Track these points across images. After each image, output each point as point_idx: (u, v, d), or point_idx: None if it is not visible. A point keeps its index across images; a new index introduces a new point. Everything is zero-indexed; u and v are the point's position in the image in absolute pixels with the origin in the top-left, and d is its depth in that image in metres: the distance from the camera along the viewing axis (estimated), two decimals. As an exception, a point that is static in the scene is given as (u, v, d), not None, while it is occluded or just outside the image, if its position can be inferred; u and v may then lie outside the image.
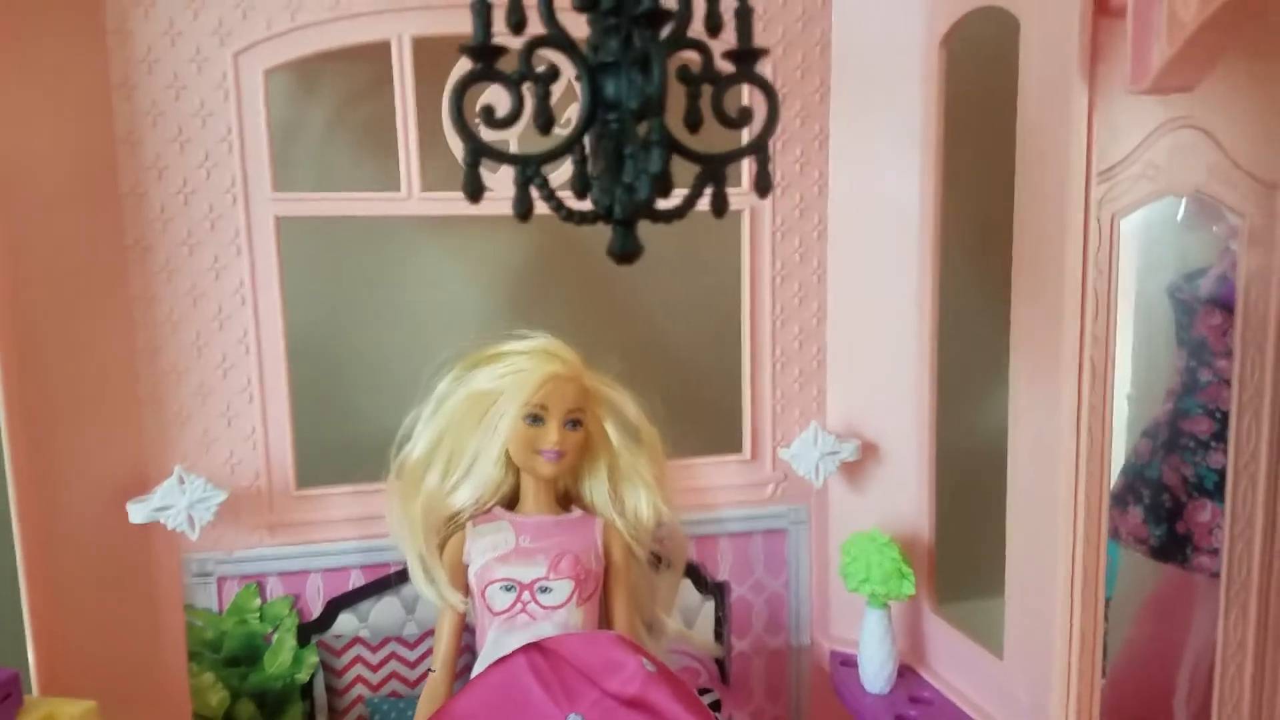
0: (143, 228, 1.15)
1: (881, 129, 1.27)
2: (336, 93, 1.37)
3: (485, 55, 0.67)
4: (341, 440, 1.27)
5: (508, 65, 0.67)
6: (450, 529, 1.18)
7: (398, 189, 1.20)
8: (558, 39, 0.67)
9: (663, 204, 0.72)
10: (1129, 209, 1.03)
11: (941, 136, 1.23)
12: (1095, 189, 1.00)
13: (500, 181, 1.20)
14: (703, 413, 1.34)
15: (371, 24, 1.17)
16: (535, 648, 1.05)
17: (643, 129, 0.67)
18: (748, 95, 1.15)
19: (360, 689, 1.24)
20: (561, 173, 1.10)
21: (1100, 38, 0.97)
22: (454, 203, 1.22)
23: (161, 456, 1.18)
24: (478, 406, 1.15)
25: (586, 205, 0.72)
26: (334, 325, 1.41)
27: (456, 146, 1.18)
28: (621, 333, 1.44)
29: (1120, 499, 1.37)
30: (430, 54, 1.17)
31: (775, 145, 1.26)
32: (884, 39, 1.25)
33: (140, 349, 1.17)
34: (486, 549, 1.14)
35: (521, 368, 1.14)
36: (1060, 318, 1.02)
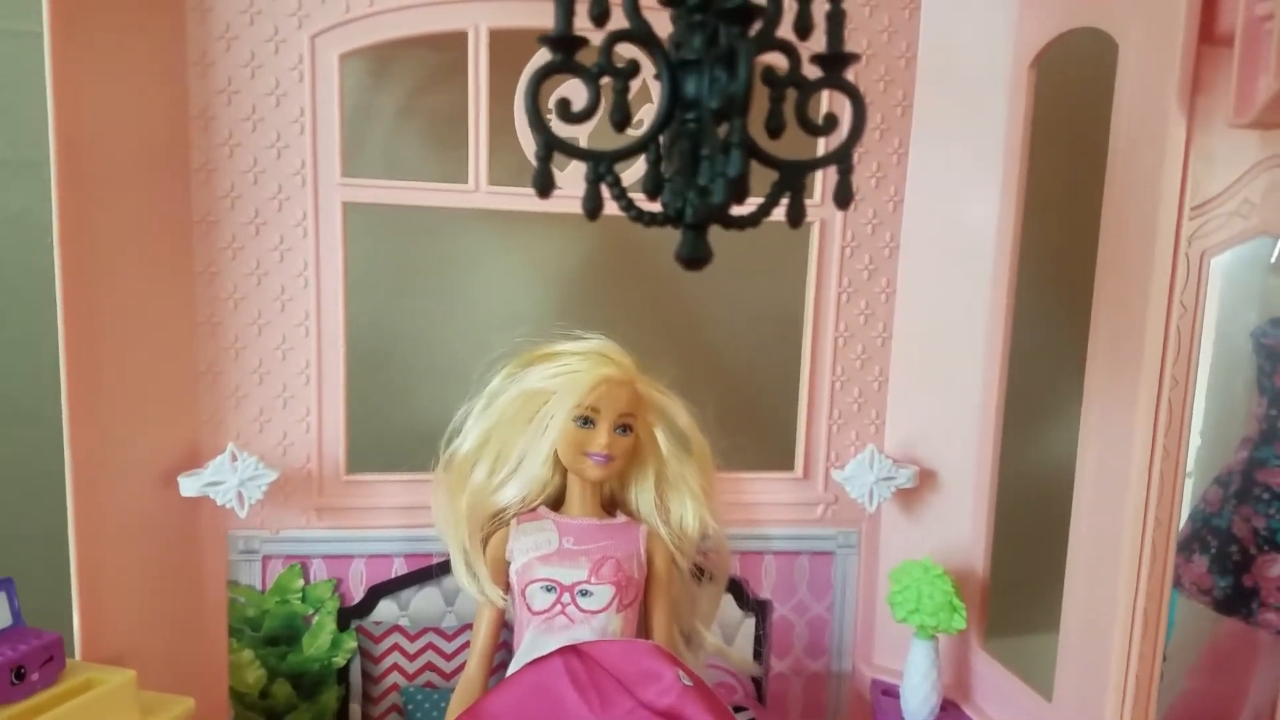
0: (211, 204, 1.16)
1: (963, 148, 1.23)
2: (408, 81, 1.37)
3: (565, 46, 0.65)
4: (393, 429, 1.26)
5: (586, 59, 0.66)
6: (494, 525, 1.17)
7: (465, 181, 1.20)
8: (640, 33, 0.66)
9: (736, 210, 0.70)
10: (1220, 247, 0.98)
11: (1026, 159, 1.19)
12: (1186, 224, 0.96)
13: (567, 179, 1.19)
14: (756, 427, 1.31)
15: (450, 13, 1.16)
16: (572, 651, 1.04)
17: (721, 131, 0.65)
18: (827, 102, 1.12)
19: (396, 677, 1.24)
20: (632, 172, 1.08)
21: (1202, 66, 0.93)
22: (520, 198, 1.21)
23: (215, 434, 1.19)
24: (529, 405, 1.14)
25: (657, 207, 0.70)
26: (393, 314, 1.41)
27: (527, 141, 1.17)
28: (678, 340, 1.41)
29: (1185, 547, 1.31)
30: (506, 47, 1.17)
31: (855, 158, 1.23)
32: (972, 56, 1.22)
33: (201, 324, 1.18)
34: (529, 548, 1.13)
35: (575, 369, 1.13)
36: (1140, 356, 0.98)
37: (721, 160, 0.63)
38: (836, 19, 0.68)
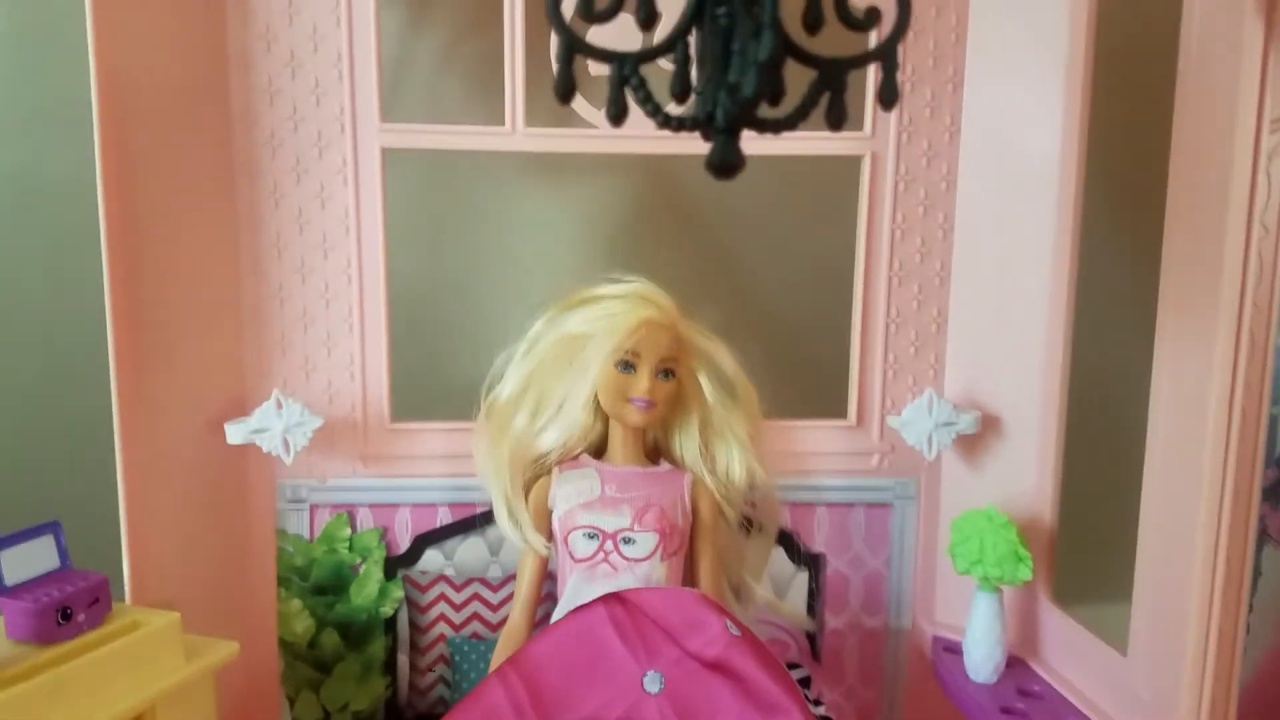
0: (253, 151, 1.16)
1: (1023, 72, 1.16)
2: (446, 28, 1.35)
3: (585, -60, 0.62)
4: (436, 376, 1.26)
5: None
6: (537, 472, 1.15)
7: (502, 124, 1.17)
8: (664, -77, 0.62)
9: (771, 115, 0.66)
10: (1305, 164, 0.91)
11: (1089, 80, 1.11)
12: (1266, 139, 0.89)
13: (603, 118, 1.15)
14: (806, 372, 1.28)
15: (486, -50, 1.14)
16: (616, 598, 1.01)
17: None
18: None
19: (443, 627, 1.23)
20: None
21: (1280, -34, 0.85)
22: (558, 139, 1.19)
23: (262, 382, 1.19)
24: (569, 349, 1.12)
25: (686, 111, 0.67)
26: (434, 261, 1.39)
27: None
28: (723, 282, 1.38)
29: (1271, 494, 1.23)
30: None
31: (904, 85, 1.17)
32: (1028, -26, 1.15)
33: (245, 272, 1.18)
34: (571, 495, 1.11)
35: (615, 312, 1.10)
36: (1218, 282, 0.90)
37: (753, 46, 0.59)
38: (875, -99, 0.64)
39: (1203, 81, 0.93)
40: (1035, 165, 1.16)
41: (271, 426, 1.13)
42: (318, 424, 1.14)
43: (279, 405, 1.14)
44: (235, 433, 1.14)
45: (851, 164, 1.22)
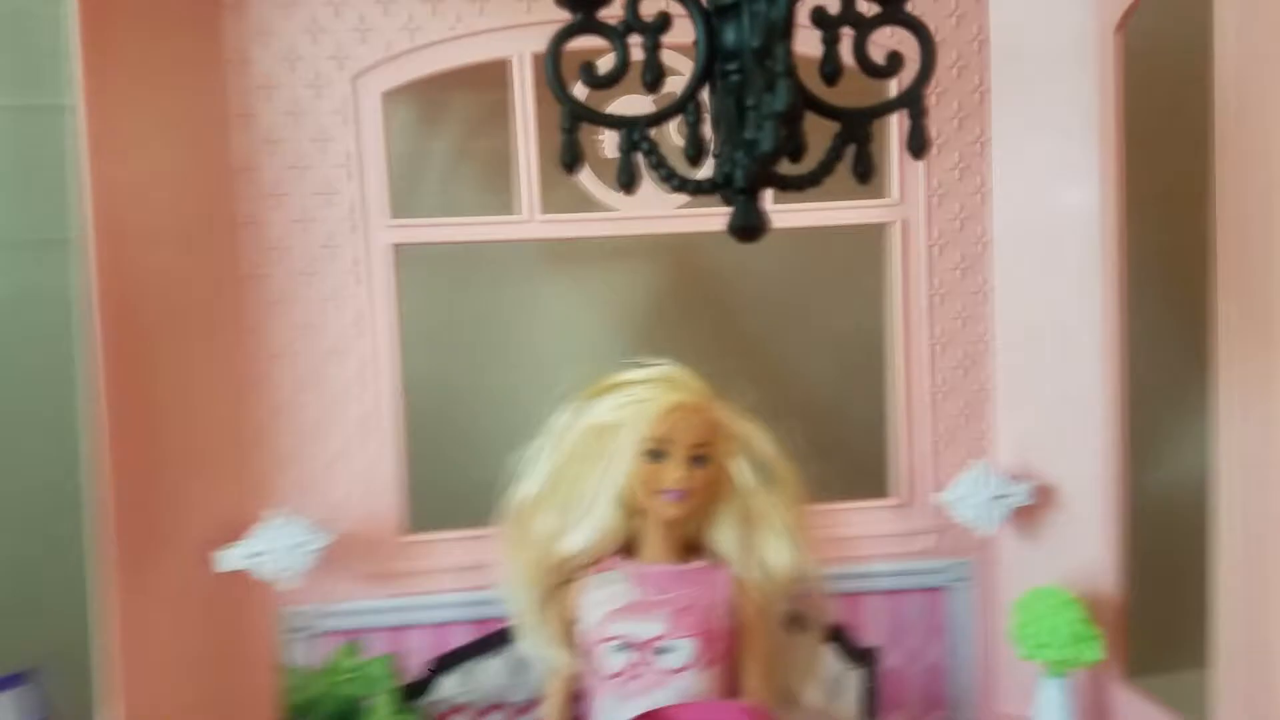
0: (259, 256, 1.12)
1: (1052, 129, 1.13)
2: (456, 121, 1.34)
3: (585, 3, 0.59)
4: (453, 479, 1.19)
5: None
6: (563, 578, 1.07)
7: (516, 213, 1.14)
8: (668, -21, 0.59)
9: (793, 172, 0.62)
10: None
11: (1122, 134, 1.08)
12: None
13: (624, 201, 1.12)
14: (848, 451, 1.20)
15: (492, 42, 1.13)
16: (654, 718, 0.93)
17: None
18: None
19: (465, 761, 1.14)
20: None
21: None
22: (575, 224, 1.16)
23: (264, 499, 1.12)
24: (595, 441, 1.05)
25: (700, 174, 0.63)
26: (450, 358, 1.34)
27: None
28: (755, 362, 1.32)
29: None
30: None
31: (934, 148, 1.14)
32: (1048, 28, 1.12)
33: (249, 383, 1.13)
34: (600, 602, 1.03)
35: (642, 398, 1.03)
36: (1276, 336, 0.86)
37: (768, 98, 0.55)
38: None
39: (1243, 128, 0.90)
40: (1073, 222, 1.13)
41: (275, 547, 1.06)
42: (324, 542, 1.08)
43: (283, 523, 1.07)
44: (236, 556, 1.07)
45: (877, 233, 1.18)
